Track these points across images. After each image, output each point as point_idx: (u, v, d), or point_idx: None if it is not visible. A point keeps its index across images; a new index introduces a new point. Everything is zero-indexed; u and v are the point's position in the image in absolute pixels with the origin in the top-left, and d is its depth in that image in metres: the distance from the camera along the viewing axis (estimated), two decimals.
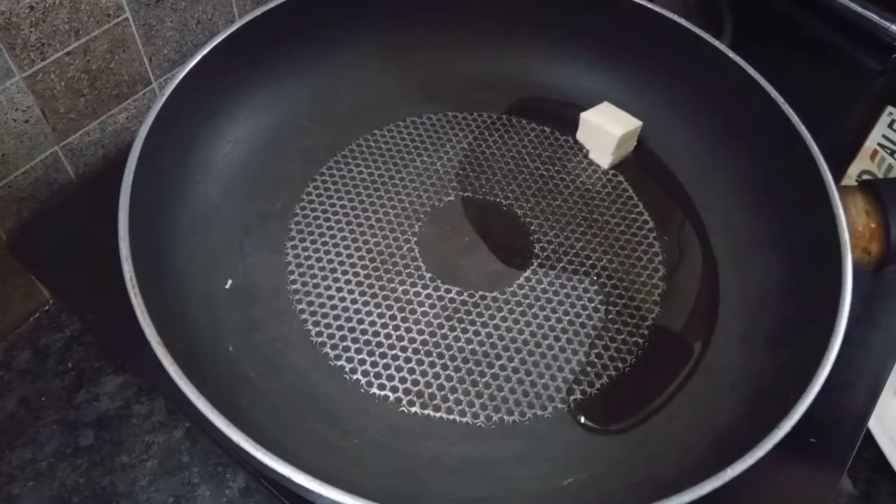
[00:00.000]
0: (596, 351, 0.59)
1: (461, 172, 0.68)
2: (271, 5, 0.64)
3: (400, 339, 0.58)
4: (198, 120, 0.62)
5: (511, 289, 0.61)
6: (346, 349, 0.57)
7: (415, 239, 0.63)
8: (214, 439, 0.45)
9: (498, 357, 0.57)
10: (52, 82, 0.61)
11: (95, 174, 0.68)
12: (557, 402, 0.55)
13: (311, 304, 0.59)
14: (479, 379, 0.56)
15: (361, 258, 0.61)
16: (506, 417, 0.54)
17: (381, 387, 0.56)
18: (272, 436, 0.48)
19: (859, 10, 0.81)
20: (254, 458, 0.43)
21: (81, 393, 0.61)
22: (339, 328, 0.58)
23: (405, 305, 0.60)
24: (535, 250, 0.64)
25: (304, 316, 0.59)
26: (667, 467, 0.52)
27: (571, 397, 0.56)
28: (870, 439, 0.65)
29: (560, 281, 0.62)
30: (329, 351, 0.57)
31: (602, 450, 0.53)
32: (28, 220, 0.64)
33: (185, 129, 0.61)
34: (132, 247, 0.51)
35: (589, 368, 0.58)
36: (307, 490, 0.43)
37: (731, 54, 0.64)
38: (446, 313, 0.59)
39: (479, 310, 0.60)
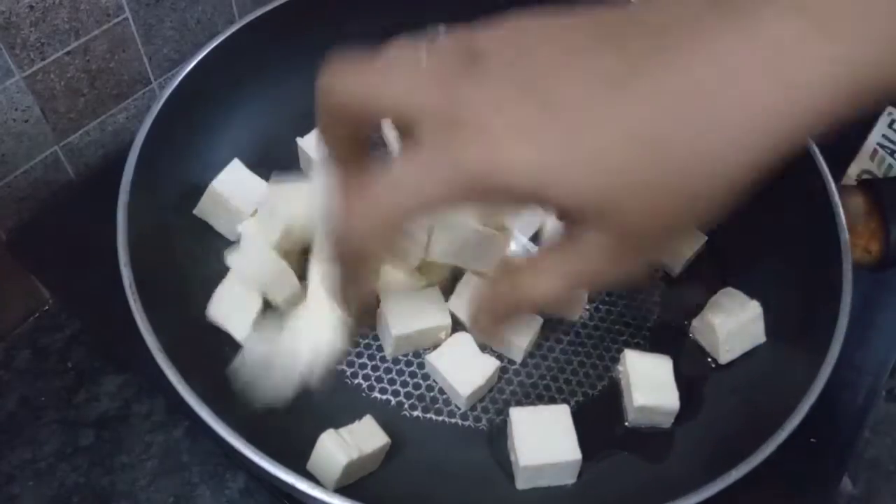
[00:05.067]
0: (597, 352, 0.58)
1: None
2: (271, 6, 0.64)
3: None
4: (198, 120, 0.62)
5: None
6: (347, 353, 0.57)
7: None
8: (215, 440, 0.45)
9: (498, 359, 0.56)
10: (51, 82, 0.61)
11: (95, 174, 0.68)
12: (559, 403, 0.55)
13: None
14: None
15: None
16: (507, 420, 0.54)
17: (383, 391, 0.56)
18: (273, 441, 0.48)
19: None
20: (257, 465, 0.43)
21: (81, 393, 0.61)
22: None
23: None
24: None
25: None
26: (669, 469, 0.52)
27: (573, 399, 0.56)
28: (870, 439, 0.65)
29: None
30: None
31: (604, 452, 0.53)
32: (28, 220, 0.64)
33: (185, 130, 0.61)
34: (131, 253, 0.51)
35: (591, 371, 0.58)
36: (310, 497, 0.43)
37: None
38: None
39: None
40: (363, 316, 0.56)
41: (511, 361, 0.57)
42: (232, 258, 0.57)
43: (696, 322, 0.59)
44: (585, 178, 0.33)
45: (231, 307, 0.56)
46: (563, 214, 0.37)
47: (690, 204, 0.33)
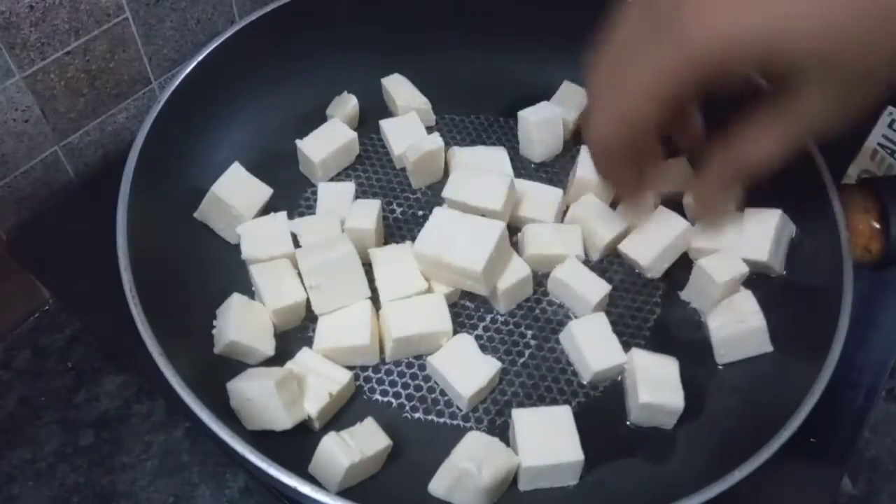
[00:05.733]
0: None
1: None
2: (271, 6, 0.64)
3: None
4: (198, 121, 0.62)
5: None
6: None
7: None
8: (215, 441, 0.45)
9: (500, 360, 0.56)
10: (51, 82, 0.61)
11: (95, 174, 0.68)
12: (561, 405, 0.55)
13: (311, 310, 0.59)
14: None
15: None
16: (509, 421, 0.54)
17: (384, 393, 0.56)
18: (274, 443, 0.48)
19: None
20: (259, 468, 0.43)
21: (81, 393, 0.61)
22: None
23: None
24: None
25: (304, 322, 0.58)
26: (671, 470, 0.52)
27: (575, 400, 0.56)
28: (870, 439, 0.65)
29: None
30: None
31: (606, 453, 0.53)
32: (28, 219, 0.64)
33: (185, 131, 0.61)
34: (131, 256, 0.51)
35: None
36: (313, 500, 0.43)
37: None
38: None
39: (480, 314, 0.60)
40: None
41: (512, 362, 0.57)
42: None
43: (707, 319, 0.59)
44: (817, 31, 0.37)
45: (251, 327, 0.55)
46: (779, 78, 0.41)
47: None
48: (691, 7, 0.39)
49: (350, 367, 0.55)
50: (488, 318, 0.59)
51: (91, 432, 0.60)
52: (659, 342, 0.59)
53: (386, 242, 0.62)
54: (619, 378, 0.57)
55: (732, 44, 0.38)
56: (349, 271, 0.56)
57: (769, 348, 0.56)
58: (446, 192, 0.61)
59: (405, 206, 0.66)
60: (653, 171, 0.56)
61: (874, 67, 0.39)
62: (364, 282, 0.56)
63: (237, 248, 0.60)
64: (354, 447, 0.48)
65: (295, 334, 0.58)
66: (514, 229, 0.62)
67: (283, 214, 0.61)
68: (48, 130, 0.63)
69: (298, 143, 0.65)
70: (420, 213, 0.65)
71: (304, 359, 0.54)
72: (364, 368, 0.57)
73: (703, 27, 0.38)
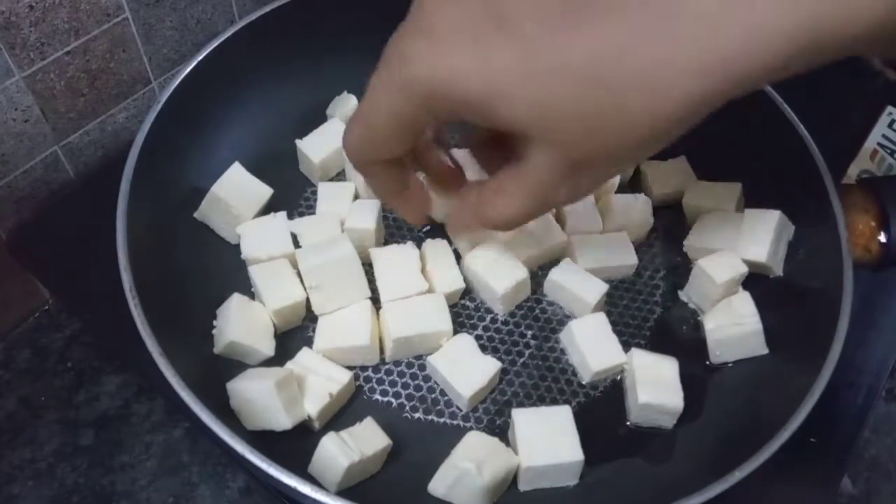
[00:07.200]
0: None
1: None
2: (271, 6, 0.64)
3: None
4: (198, 121, 0.62)
5: None
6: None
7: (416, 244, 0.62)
8: (215, 441, 0.45)
9: (500, 360, 0.56)
10: (51, 82, 0.61)
11: (95, 174, 0.68)
12: (561, 405, 0.55)
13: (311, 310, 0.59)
14: None
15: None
16: (509, 421, 0.54)
17: (384, 393, 0.56)
18: (274, 443, 0.48)
19: None
20: (258, 468, 0.43)
21: (81, 392, 0.61)
22: None
23: None
24: None
25: (304, 322, 0.58)
26: (671, 470, 0.52)
27: (575, 400, 0.56)
28: (870, 439, 0.65)
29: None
30: None
31: (606, 453, 0.53)
32: (28, 219, 0.64)
33: (185, 131, 0.61)
34: (131, 256, 0.51)
35: None
36: (313, 500, 0.43)
37: None
38: None
39: (480, 314, 0.60)
40: (414, 211, 0.52)
41: (512, 362, 0.57)
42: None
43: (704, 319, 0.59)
44: (532, 95, 0.34)
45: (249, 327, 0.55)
46: (505, 135, 0.39)
47: (629, 135, 0.35)
48: (422, 40, 0.36)
49: (350, 367, 0.55)
50: (488, 318, 0.60)
51: (91, 432, 0.60)
52: (659, 342, 0.59)
53: (386, 242, 0.62)
54: (619, 378, 0.57)
55: (443, 86, 0.35)
56: (349, 271, 0.56)
57: (764, 351, 0.56)
58: None
59: None
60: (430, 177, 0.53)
61: (603, 150, 0.36)
62: (364, 282, 0.56)
63: (237, 248, 0.60)
64: (354, 447, 0.48)
65: (295, 334, 0.58)
66: None
67: (283, 214, 0.61)
68: (48, 130, 0.63)
69: (298, 143, 0.65)
70: None
71: (304, 359, 0.54)
72: (364, 368, 0.57)
73: (422, 63, 0.36)
